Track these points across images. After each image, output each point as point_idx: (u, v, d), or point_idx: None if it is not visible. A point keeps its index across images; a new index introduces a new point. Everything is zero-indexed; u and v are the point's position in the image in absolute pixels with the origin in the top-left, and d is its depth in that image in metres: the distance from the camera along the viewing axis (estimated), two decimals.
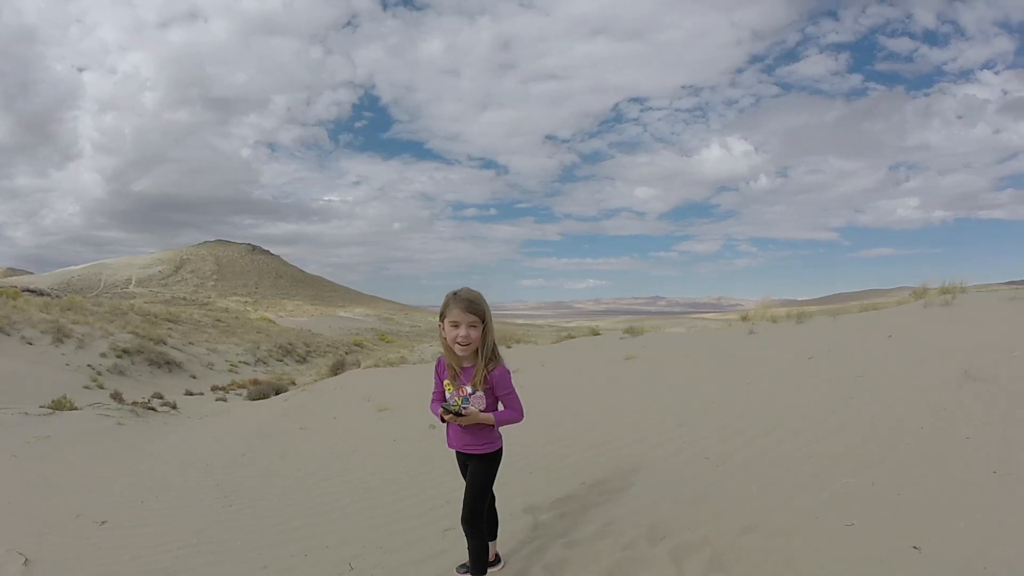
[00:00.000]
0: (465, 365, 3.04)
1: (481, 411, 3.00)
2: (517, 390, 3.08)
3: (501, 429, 3.15)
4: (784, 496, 3.33)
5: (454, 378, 3.07)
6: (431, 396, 3.25)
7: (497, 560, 3.36)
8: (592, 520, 3.62)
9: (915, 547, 2.54)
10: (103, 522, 5.38)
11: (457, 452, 3.20)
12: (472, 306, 2.93)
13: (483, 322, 2.96)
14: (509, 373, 3.09)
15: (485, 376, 2.99)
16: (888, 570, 2.44)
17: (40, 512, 5.81)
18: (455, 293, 2.97)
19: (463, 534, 3.13)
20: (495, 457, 3.15)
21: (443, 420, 3.05)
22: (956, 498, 2.87)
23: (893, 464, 3.43)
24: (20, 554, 4.42)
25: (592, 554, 3.20)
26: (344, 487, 5.78)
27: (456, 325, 2.93)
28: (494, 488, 3.25)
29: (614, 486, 4.14)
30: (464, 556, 3.25)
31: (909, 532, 2.65)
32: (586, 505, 3.90)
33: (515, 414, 3.06)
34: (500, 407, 3.09)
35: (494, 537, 3.40)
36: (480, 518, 3.12)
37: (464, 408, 2.97)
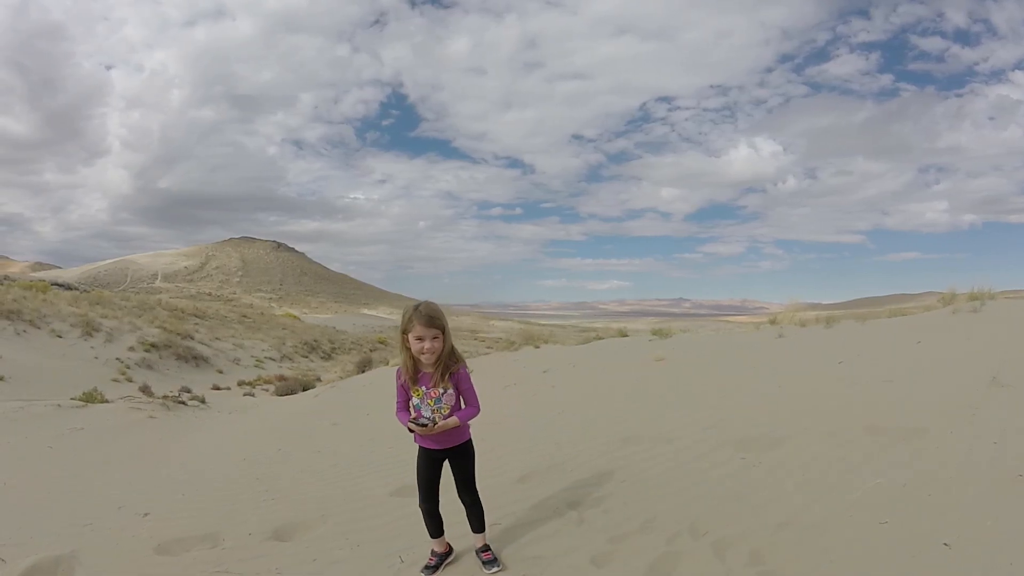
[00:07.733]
0: (424, 371, 3.34)
1: (447, 414, 3.32)
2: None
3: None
4: (818, 494, 3.46)
5: (415, 383, 3.34)
6: (395, 405, 3.48)
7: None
8: (634, 516, 3.75)
9: (945, 544, 2.67)
10: (146, 514, 5.34)
11: (429, 451, 3.46)
12: (433, 320, 3.23)
13: (443, 333, 3.28)
14: (467, 371, 3.44)
15: (448, 375, 3.32)
16: (920, 564, 2.58)
17: (81, 504, 5.77)
18: (416, 308, 3.27)
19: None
20: (470, 444, 3.55)
21: (411, 430, 3.34)
22: (983, 500, 2.98)
23: (923, 466, 3.53)
24: (67, 545, 4.40)
25: (637, 548, 3.34)
26: (384, 483, 5.84)
27: (420, 339, 3.23)
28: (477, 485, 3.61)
29: (652, 483, 4.26)
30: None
31: (939, 530, 2.77)
32: (626, 502, 4.02)
33: (473, 409, 3.44)
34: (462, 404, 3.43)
35: (482, 529, 3.60)
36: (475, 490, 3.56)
37: (436, 421, 3.27)
